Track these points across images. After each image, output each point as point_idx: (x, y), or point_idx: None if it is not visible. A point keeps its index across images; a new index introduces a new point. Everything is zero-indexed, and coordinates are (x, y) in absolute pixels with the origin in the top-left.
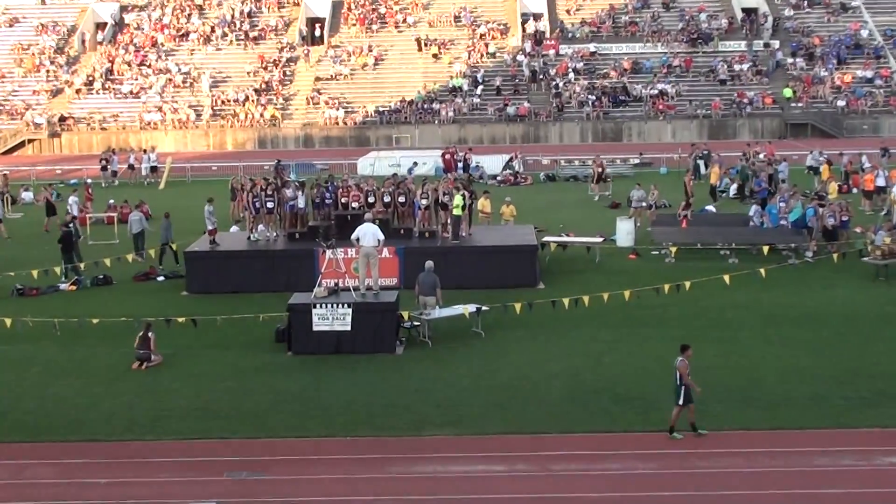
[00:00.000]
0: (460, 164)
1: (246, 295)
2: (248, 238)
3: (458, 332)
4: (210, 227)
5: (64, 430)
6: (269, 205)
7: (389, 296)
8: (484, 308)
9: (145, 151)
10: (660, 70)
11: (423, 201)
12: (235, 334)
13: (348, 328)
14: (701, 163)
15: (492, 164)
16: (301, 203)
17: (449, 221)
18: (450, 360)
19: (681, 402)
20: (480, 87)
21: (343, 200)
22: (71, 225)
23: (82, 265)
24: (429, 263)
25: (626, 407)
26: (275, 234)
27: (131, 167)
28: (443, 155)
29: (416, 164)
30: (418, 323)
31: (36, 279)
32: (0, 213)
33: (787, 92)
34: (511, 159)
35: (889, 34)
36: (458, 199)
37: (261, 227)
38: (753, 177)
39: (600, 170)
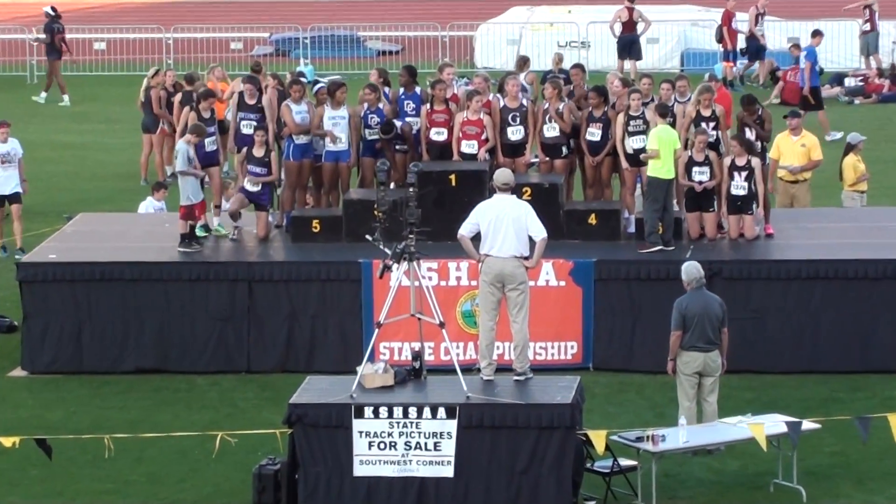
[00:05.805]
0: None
1: (178, 378)
2: (189, 233)
3: (739, 485)
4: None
5: None
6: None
7: (558, 389)
8: (808, 426)
9: None
10: None
11: (637, 140)
12: (153, 481)
13: (449, 473)
14: None
15: (826, 45)
16: (341, 143)
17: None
18: None
19: None
20: None
21: (436, 135)
22: None
23: None
24: (695, 267)
25: None
26: (268, 220)
27: None
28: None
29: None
30: (633, 462)
31: None
32: None
33: None
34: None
35: None
36: (657, 136)
37: (223, 201)
38: None
39: None
